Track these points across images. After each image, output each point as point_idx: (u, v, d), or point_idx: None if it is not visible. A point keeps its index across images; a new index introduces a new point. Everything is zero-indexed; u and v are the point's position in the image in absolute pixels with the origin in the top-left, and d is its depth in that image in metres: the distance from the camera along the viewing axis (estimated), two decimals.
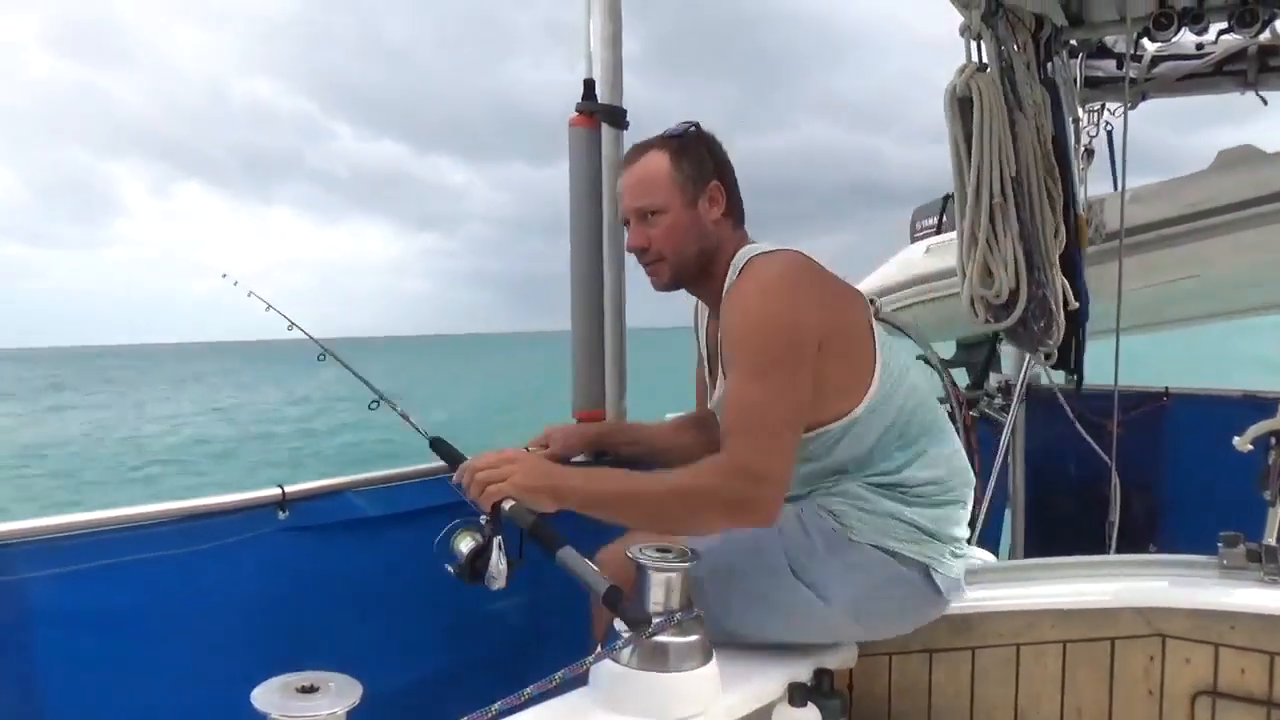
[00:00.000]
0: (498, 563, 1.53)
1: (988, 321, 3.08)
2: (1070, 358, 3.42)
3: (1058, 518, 3.66)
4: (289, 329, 2.17)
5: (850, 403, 1.69)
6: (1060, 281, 3.14)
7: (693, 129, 1.81)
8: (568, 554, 1.50)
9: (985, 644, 1.86)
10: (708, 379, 1.94)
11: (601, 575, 1.47)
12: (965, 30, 3.12)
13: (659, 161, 1.77)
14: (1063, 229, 3.21)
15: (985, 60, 3.10)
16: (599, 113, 2.21)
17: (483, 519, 1.56)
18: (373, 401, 1.93)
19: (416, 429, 1.83)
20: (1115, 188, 3.91)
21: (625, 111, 2.24)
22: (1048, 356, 3.25)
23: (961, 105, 3.02)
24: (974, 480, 1.85)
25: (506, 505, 1.54)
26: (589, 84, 2.24)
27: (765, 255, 1.72)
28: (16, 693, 1.50)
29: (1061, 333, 3.14)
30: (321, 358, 2.08)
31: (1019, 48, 3.21)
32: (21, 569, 1.48)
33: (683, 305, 1.99)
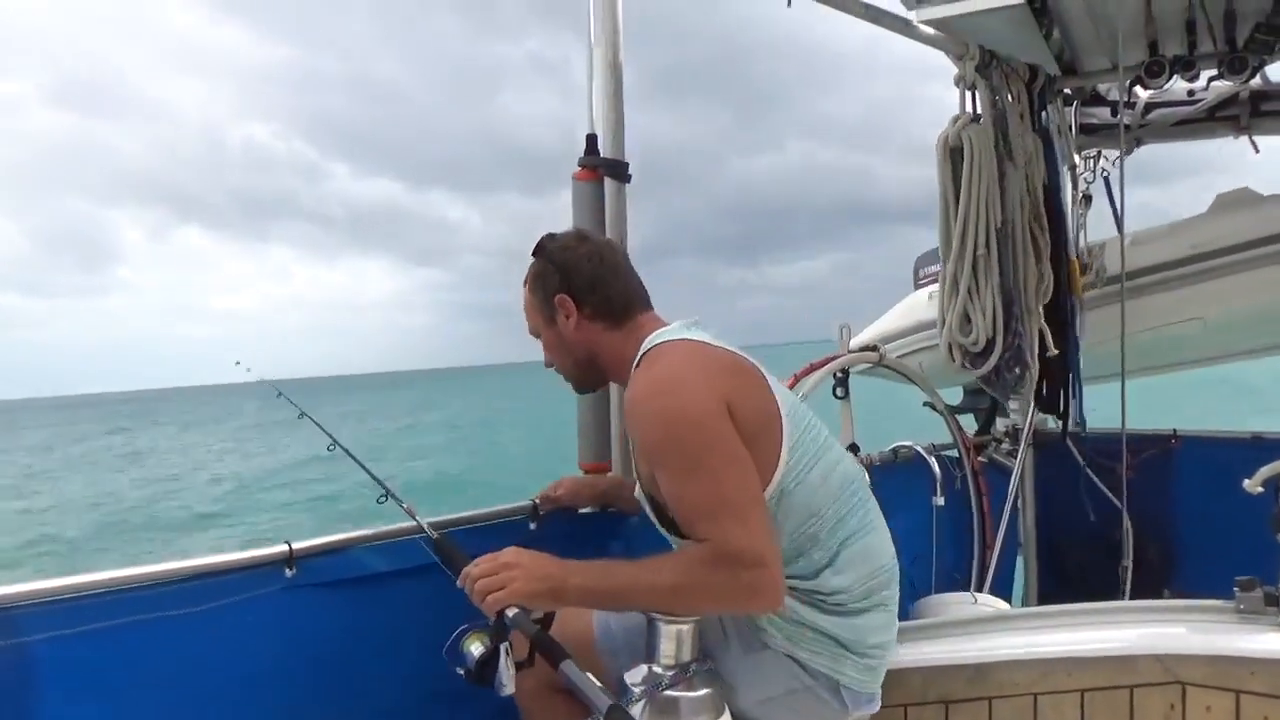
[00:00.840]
0: (505, 669, 1.53)
1: (964, 368, 3.13)
2: (1058, 403, 3.45)
3: (1071, 563, 3.62)
4: (299, 417, 2.23)
5: None
6: (1038, 330, 3.19)
7: (541, 245, 1.83)
8: (569, 668, 1.49)
9: (1002, 694, 1.83)
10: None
11: (604, 692, 1.43)
12: (959, 81, 3.19)
13: (526, 291, 1.86)
14: (1049, 276, 3.26)
15: (979, 110, 3.16)
16: (601, 167, 2.24)
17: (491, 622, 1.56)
18: (381, 496, 1.93)
19: (424, 528, 1.83)
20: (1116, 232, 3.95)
21: (627, 165, 2.27)
22: (1008, 403, 3.28)
23: (953, 155, 3.07)
24: (897, 573, 1.76)
25: (510, 613, 1.54)
26: (591, 139, 2.28)
27: (654, 350, 1.68)
28: None
29: (1034, 381, 3.18)
30: (331, 449, 2.10)
31: (1013, 98, 3.27)
32: (26, 631, 1.47)
33: None
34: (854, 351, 2.97)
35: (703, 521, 1.53)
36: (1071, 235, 3.83)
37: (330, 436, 2.09)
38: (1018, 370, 3.10)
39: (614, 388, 2.25)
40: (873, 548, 1.71)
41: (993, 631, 1.93)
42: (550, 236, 1.84)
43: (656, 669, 1.58)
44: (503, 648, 1.54)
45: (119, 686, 1.59)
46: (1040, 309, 3.26)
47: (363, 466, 1.99)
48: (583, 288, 1.77)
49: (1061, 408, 3.49)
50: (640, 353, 1.71)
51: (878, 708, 1.74)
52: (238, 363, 2.38)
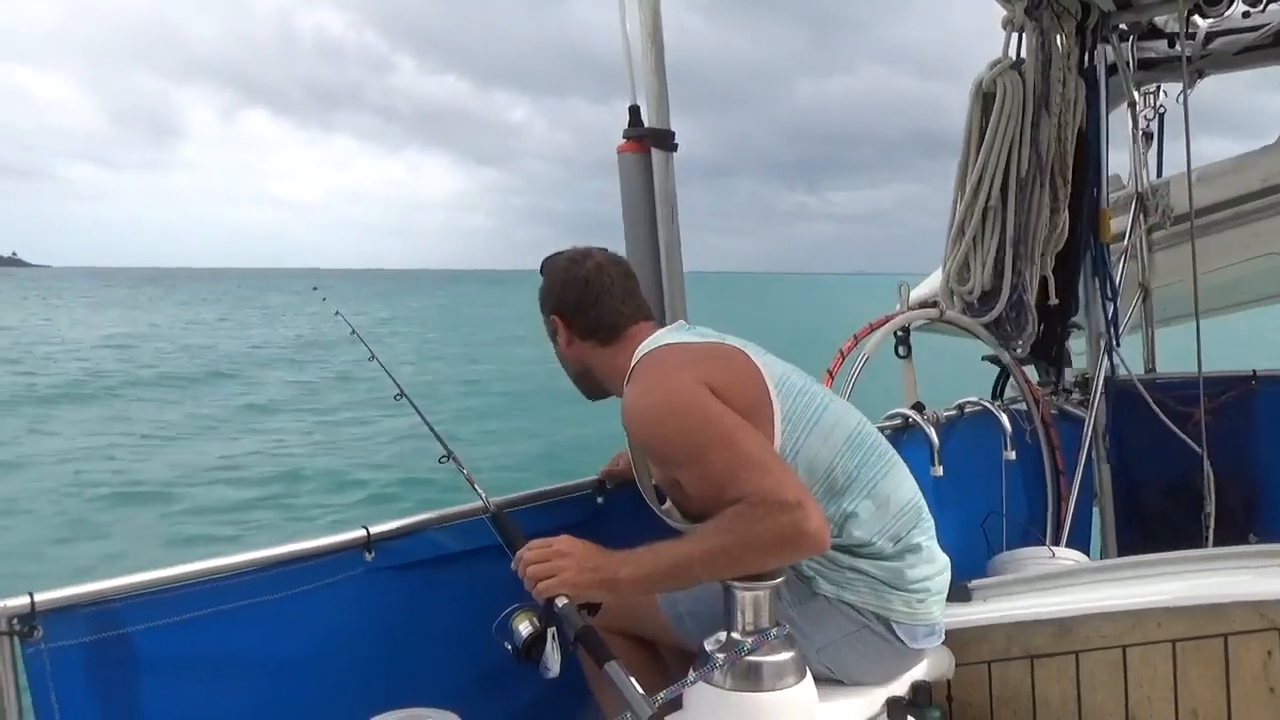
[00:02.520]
0: (552, 653, 1.56)
1: (965, 313, 3.09)
2: (1050, 351, 3.38)
3: (1149, 512, 3.53)
4: (369, 360, 2.23)
5: None
6: (1038, 281, 3.13)
7: (542, 266, 1.93)
8: (613, 669, 1.50)
9: (1089, 647, 1.80)
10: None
11: (646, 699, 1.45)
12: (1007, 23, 3.09)
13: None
14: (1064, 225, 3.17)
15: (1022, 55, 3.06)
16: (647, 138, 2.22)
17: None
18: (443, 456, 1.96)
19: (482, 498, 1.84)
20: (1160, 173, 3.83)
21: (673, 134, 2.25)
22: (1015, 352, 3.22)
23: (985, 100, 2.99)
24: (925, 509, 1.77)
25: (560, 602, 1.57)
26: (634, 110, 2.26)
27: (635, 367, 1.76)
28: None
29: (1035, 331, 3.13)
30: (398, 398, 2.12)
31: (1063, 39, 3.17)
32: (128, 623, 1.53)
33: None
34: (914, 308, 2.92)
35: (729, 486, 1.55)
36: (1134, 174, 3.72)
37: (399, 388, 2.12)
38: (1017, 318, 3.08)
39: None
40: (888, 492, 1.73)
41: (1077, 584, 1.89)
42: (555, 255, 1.94)
43: (736, 635, 1.58)
44: (550, 632, 1.56)
45: (212, 674, 1.64)
46: (1047, 258, 3.18)
47: (428, 424, 2.01)
48: (572, 309, 1.86)
49: (1055, 354, 3.42)
50: (630, 365, 1.78)
51: (939, 640, 1.75)
52: (321, 296, 2.42)
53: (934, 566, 1.75)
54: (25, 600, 1.42)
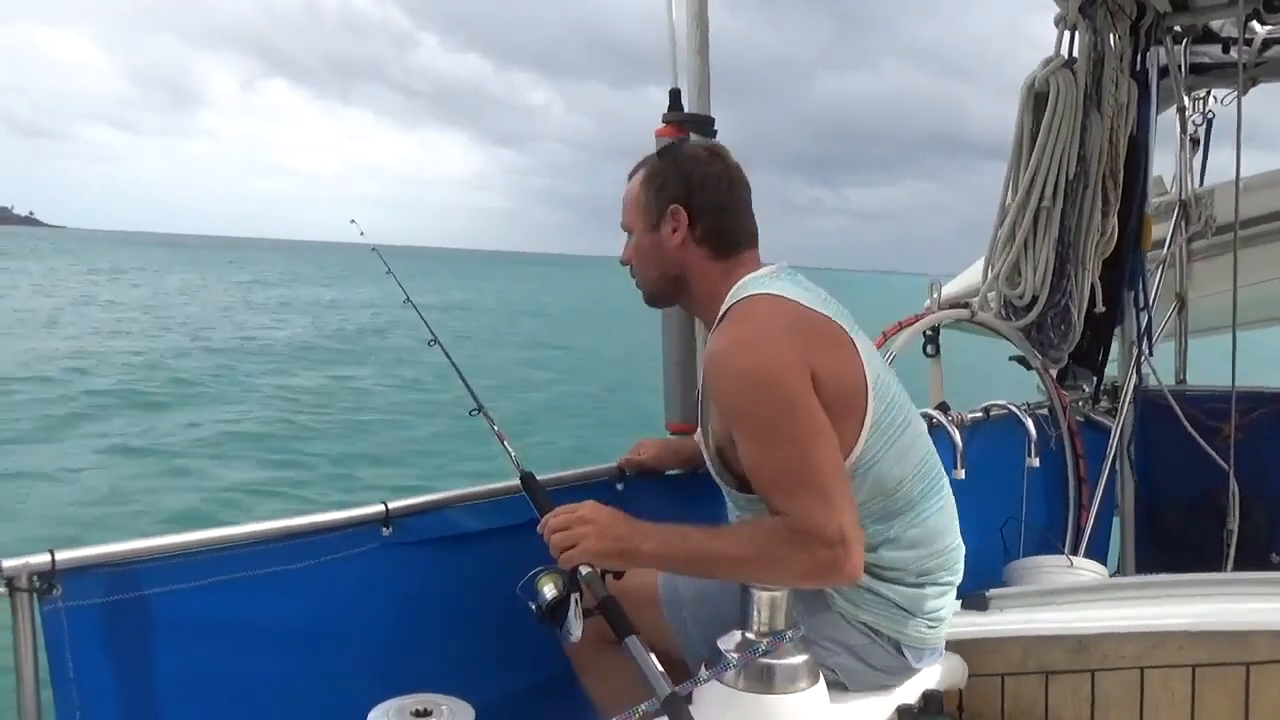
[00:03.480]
0: (574, 617, 1.56)
1: (1005, 318, 3.03)
2: (1095, 360, 3.33)
3: (1169, 526, 3.49)
4: (403, 303, 2.24)
5: None
6: (1089, 287, 3.06)
7: (672, 148, 1.75)
8: (634, 644, 1.50)
9: (1106, 666, 1.77)
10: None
11: (664, 678, 1.44)
12: (1060, 21, 3.02)
13: (635, 182, 1.76)
14: (1114, 231, 3.11)
15: (1074, 54, 2.99)
16: (687, 123, 2.19)
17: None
18: (474, 409, 1.96)
19: (510, 456, 1.84)
20: (1202, 180, 3.74)
21: (713, 120, 2.21)
22: (1056, 362, 3.16)
23: (1037, 99, 2.93)
24: (963, 551, 1.72)
25: (583, 570, 1.57)
26: (675, 94, 2.22)
27: (746, 301, 1.61)
28: (141, 705, 1.55)
29: (1075, 341, 3.08)
30: (431, 344, 2.13)
31: (1116, 39, 3.09)
32: (147, 585, 1.53)
33: None
34: (945, 308, 2.88)
35: (781, 495, 1.50)
36: (1179, 181, 3.64)
37: (434, 334, 2.12)
38: (1061, 327, 3.01)
39: (701, 346, 2.22)
40: (938, 529, 1.68)
41: (1096, 600, 1.87)
42: (682, 141, 1.75)
43: (750, 635, 1.57)
44: (573, 597, 1.57)
45: (226, 640, 1.65)
46: (1096, 265, 3.13)
47: (460, 375, 2.00)
48: (703, 207, 1.67)
49: (1099, 363, 3.37)
50: (730, 299, 1.64)
51: (940, 658, 1.73)
52: (353, 221, 2.41)
53: (948, 603, 1.71)
54: (46, 558, 1.43)
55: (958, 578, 1.72)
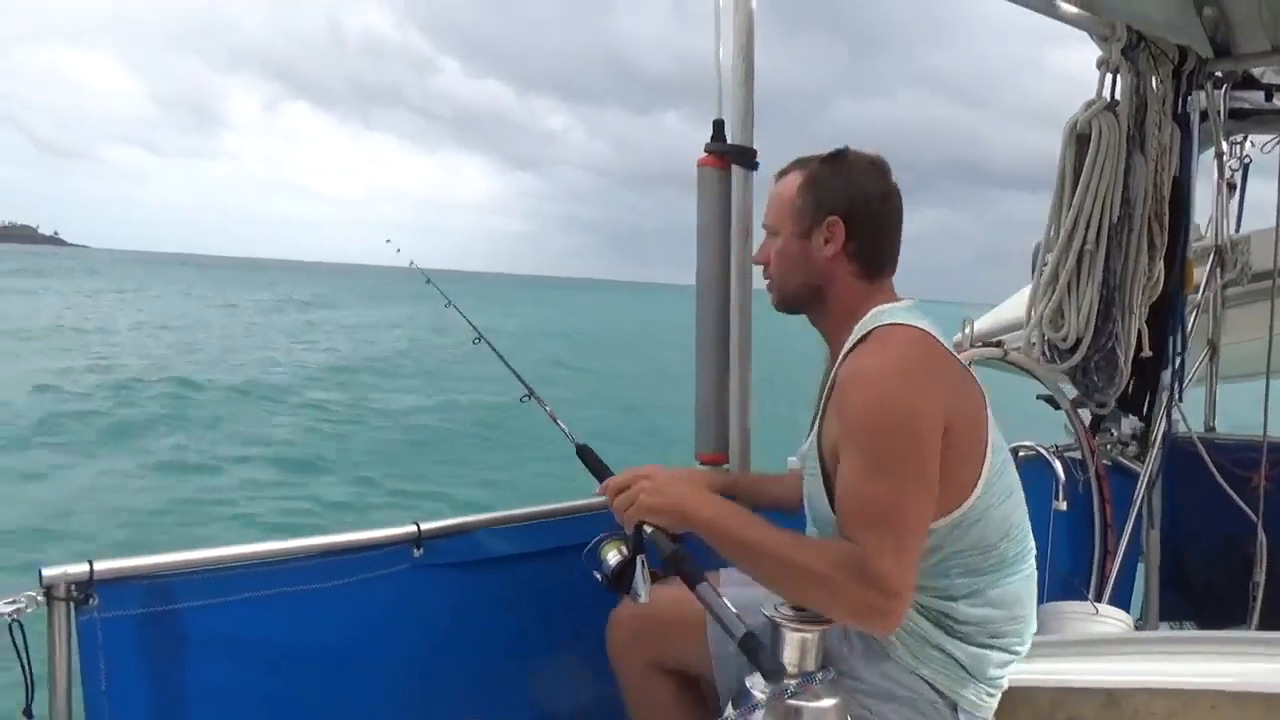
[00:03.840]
0: (642, 579, 1.58)
1: (1045, 360, 2.99)
2: (1142, 406, 3.29)
3: (1195, 575, 3.45)
4: (446, 306, 2.31)
5: (937, 510, 1.53)
6: (1135, 332, 3.03)
7: (839, 155, 1.69)
8: (705, 590, 1.51)
9: None
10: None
11: (740, 619, 1.45)
12: (1102, 64, 3.01)
13: (790, 184, 1.73)
14: (1160, 275, 3.08)
15: (1117, 97, 2.98)
16: (729, 154, 2.19)
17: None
18: (524, 396, 2.00)
19: (564, 432, 1.88)
20: (1237, 227, 3.71)
21: (755, 152, 2.21)
22: (1101, 406, 3.11)
23: (1079, 141, 2.92)
24: (1034, 623, 1.70)
25: (648, 528, 1.58)
26: (718, 124, 2.23)
27: (890, 328, 1.59)
28: (174, 715, 1.56)
29: (1122, 386, 3.04)
30: (476, 341, 2.18)
31: (1158, 82, 3.08)
32: (179, 599, 1.54)
33: None
34: (978, 345, 2.87)
35: (862, 527, 1.47)
36: (1216, 226, 3.62)
37: (478, 332, 2.17)
38: (1107, 371, 2.97)
39: (735, 376, 2.22)
40: (1020, 595, 1.66)
41: (1126, 653, 1.84)
42: (847, 149, 1.68)
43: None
44: (639, 559, 1.58)
45: (256, 655, 1.66)
46: (1143, 309, 3.10)
47: (507, 364, 2.05)
48: (861, 224, 1.64)
49: (1146, 409, 3.33)
50: (868, 323, 1.60)
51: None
52: (388, 241, 2.47)
53: (1010, 670, 1.67)
54: (85, 568, 1.44)
55: (1024, 651, 1.68)
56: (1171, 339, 3.28)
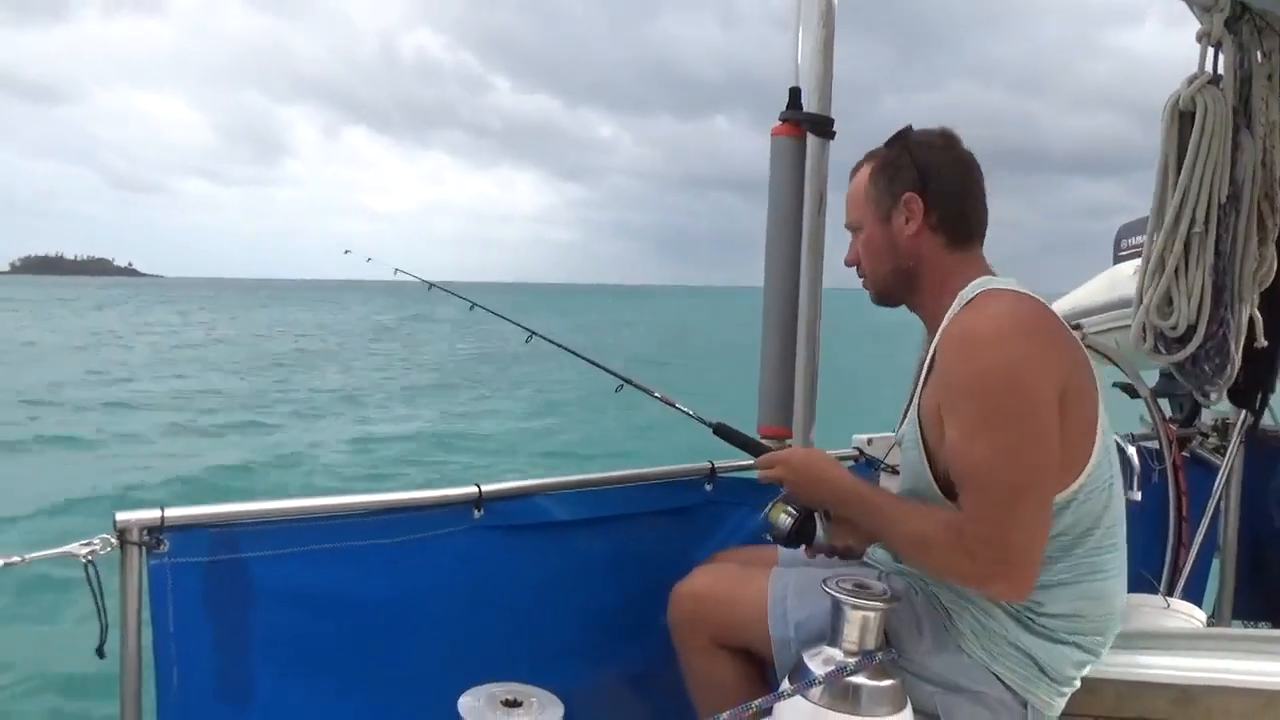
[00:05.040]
0: (822, 529, 1.75)
1: (1156, 352, 2.85)
2: (1255, 398, 3.13)
3: (1272, 574, 3.31)
4: (470, 309, 2.39)
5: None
6: (1248, 318, 2.87)
7: (901, 135, 1.67)
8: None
9: None
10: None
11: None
12: (1204, 37, 2.86)
13: (861, 177, 1.73)
14: (1273, 260, 2.92)
15: (1219, 71, 2.84)
16: (805, 122, 2.13)
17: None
18: (619, 386, 2.09)
19: (688, 413, 1.98)
20: None
21: (833, 121, 2.15)
22: (1207, 397, 2.97)
23: (1182, 119, 2.78)
24: (1119, 625, 1.64)
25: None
26: (795, 92, 2.17)
27: (995, 293, 1.53)
28: (234, 663, 1.59)
29: (1234, 375, 2.86)
30: (529, 340, 2.28)
31: (1264, 55, 2.92)
32: (244, 548, 1.58)
33: None
34: None
35: (969, 490, 1.44)
36: None
37: (525, 329, 2.26)
38: (1218, 361, 2.82)
39: (801, 347, 2.18)
40: (1111, 592, 1.60)
41: (1201, 650, 1.77)
42: (912, 128, 1.67)
43: (839, 653, 1.53)
44: (816, 515, 1.72)
45: (315, 607, 1.69)
46: (1255, 296, 2.95)
47: (581, 356, 2.14)
48: (939, 194, 1.61)
49: (1259, 403, 3.17)
50: (968, 294, 1.54)
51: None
52: (347, 252, 2.54)
53: (1081, 671, 1.62)
54: (156, 514, 1.47)
55: (1105, 649, 1.63)
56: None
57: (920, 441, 1.58)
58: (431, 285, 2.43)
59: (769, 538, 1.75)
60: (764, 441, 2.04)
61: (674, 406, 2.02)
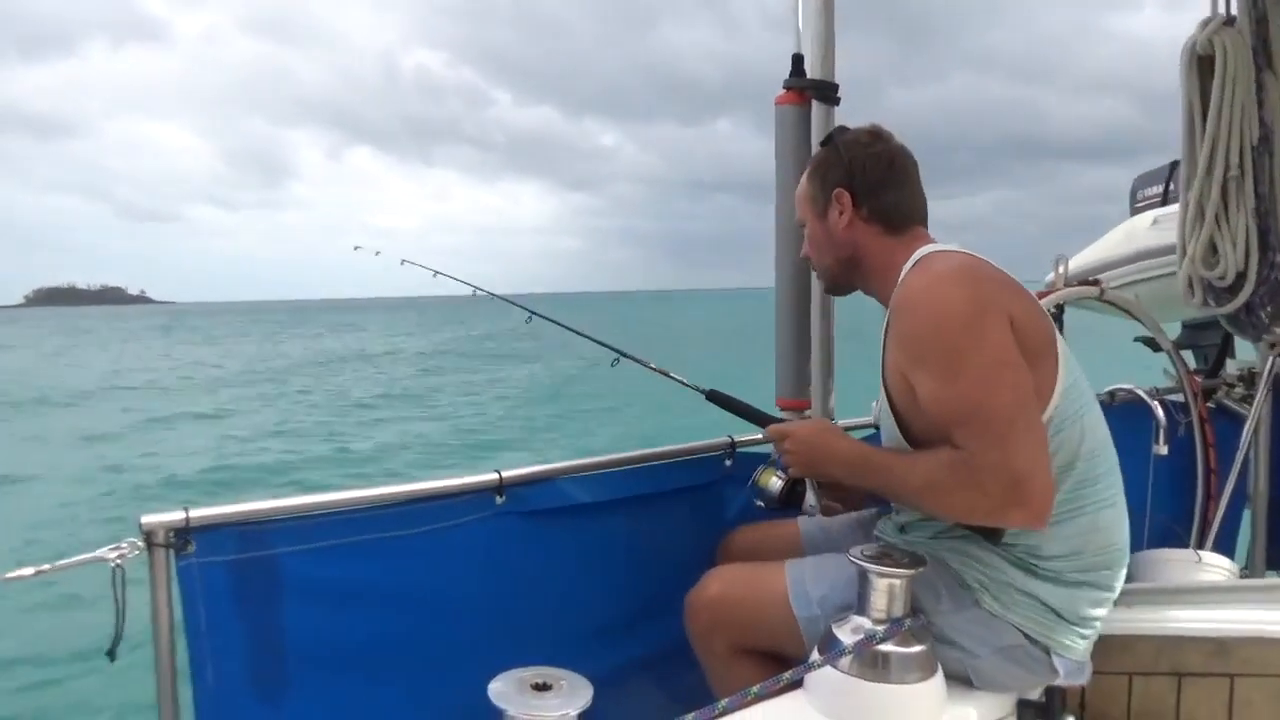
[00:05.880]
0: (813, 495, 1.78)
1: (1206, 304, 2.79)
2: None
3: None
4: (474, 294, 2.36)
5: None
6: None
7: (831, 135, 1.78)
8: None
9: (1247, 672, 1.67)
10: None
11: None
12: None
13: (802, 178, 1.81)
14: None
15: (1234, 12, 2.77)
16: (809, 89, 2.11)
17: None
18: (615, 360, 2.10)
19: (682, 381, 1.99)
20: None
21: (837, 86, 2.13)
22: (1272, 345, 2.91)
23: (1201, 64, 2.71)
24: (1126, 557, 1.63)
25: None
26: (798, 59, 2.14)
27: (930, 255, 1.61)
28: (267, 659, 1.61)
29: None
30: (528, 321, 2.30)
31: None
32: (272, 545, 1.59)
33: None
34: (1073, 285, 2.74)
35: (958, 428, 1.46)
36: None
37: (526, 309, 2.28)
38: (1271, 307, 2.74)
39: (816, 321, 2.17)
40: (1108, 523, 1.60)
41: (1234, 602, 1.75)
42: (843, 129, 1.79)
43: (867, 622, 1.53)
44: (809, 481, 1.77)
45: (345, 600, 1.70)
46: None
47: (580, 334, 2.17)
48: (865, 187, 1.70)
49: None
50: (908, 265, 1.62)
51: (1087, 677, 1.64)
52: (357, 248, 2.53)
53: (1104, 611, 1.62)
54: (181, 515, 1.48)
55: (1118, 583, 1.63)
56: None
57: (891, 411, 1.63)
58: (483, 292, 2.42)
59: (759, 503, 1.79)
60: (772, 412, 2.04)
61: (669, 376, 2.04)
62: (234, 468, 13.37)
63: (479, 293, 2.32)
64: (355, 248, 2.61)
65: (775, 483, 1.77)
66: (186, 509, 1.49)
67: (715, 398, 1.97)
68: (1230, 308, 2.66)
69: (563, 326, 2.19)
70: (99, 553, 1.42)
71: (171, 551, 1.48)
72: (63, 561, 1.40)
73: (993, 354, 1.46)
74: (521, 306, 2.28)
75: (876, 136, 1.74)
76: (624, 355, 2.10)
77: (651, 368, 2.08)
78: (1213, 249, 2.66)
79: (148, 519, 1.47)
